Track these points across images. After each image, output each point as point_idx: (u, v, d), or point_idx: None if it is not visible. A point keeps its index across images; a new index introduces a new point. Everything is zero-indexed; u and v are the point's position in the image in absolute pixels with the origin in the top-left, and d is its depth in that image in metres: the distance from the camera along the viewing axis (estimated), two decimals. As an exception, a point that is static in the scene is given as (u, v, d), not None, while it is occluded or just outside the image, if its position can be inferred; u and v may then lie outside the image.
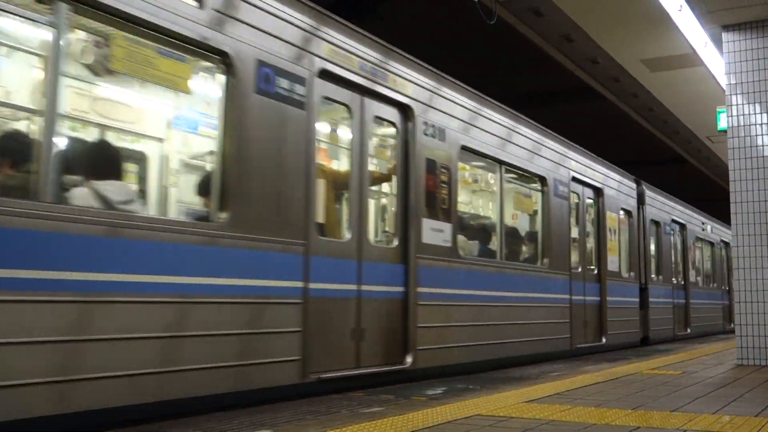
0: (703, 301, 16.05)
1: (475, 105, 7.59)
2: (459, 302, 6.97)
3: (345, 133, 6.22)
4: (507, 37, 10.52)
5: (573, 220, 9.71)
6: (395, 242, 6.28)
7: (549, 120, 10.88)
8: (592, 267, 10.31)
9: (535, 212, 9.12)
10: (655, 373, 6.06)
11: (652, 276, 12.81)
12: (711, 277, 17.41)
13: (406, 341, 6.20)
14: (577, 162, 9.99)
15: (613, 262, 10.83)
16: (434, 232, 6.62)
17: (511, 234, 8.77)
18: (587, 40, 9.75)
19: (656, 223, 13.19)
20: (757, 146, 7.19)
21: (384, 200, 6.93)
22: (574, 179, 9.77)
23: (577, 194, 9.96)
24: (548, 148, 9.12)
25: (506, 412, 3.87)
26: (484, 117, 7.73)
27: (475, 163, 8.42)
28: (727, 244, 18.45)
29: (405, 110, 6.42)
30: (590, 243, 10.36)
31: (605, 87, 12.15)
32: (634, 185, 12.32)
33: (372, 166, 6.22)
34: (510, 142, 8.23)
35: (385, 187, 6.87)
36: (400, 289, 6.23)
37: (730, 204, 7.20)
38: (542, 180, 8.92)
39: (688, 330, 14.61)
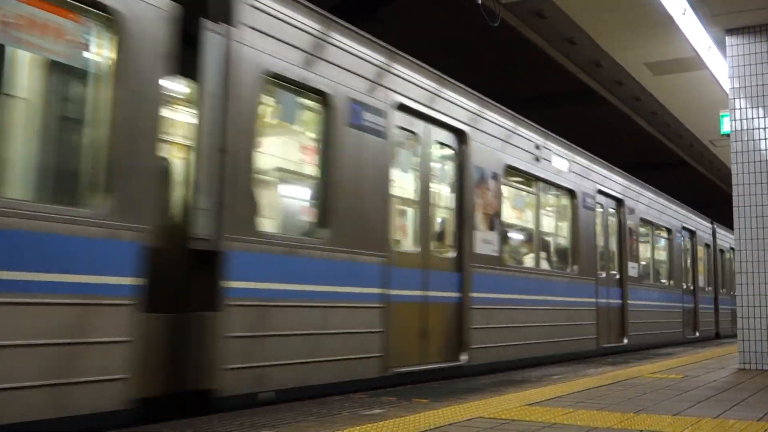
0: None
1: None
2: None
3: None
4: (509, 39, 10.51)
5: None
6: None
7: (551, 123, 10.88)
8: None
9: None
10: (657, 377, 6.05)
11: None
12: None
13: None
14: None
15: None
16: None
17: None
18: (590, 43, 9.74)
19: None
20: (760, 150, 7.18)
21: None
22: None
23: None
24: None
25: (508, 414, 3.86)
26: None
27: None
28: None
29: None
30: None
31: (608, 90, 12.14)
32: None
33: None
34: None
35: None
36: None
37: (733, 208, 7.19)
38: None
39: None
